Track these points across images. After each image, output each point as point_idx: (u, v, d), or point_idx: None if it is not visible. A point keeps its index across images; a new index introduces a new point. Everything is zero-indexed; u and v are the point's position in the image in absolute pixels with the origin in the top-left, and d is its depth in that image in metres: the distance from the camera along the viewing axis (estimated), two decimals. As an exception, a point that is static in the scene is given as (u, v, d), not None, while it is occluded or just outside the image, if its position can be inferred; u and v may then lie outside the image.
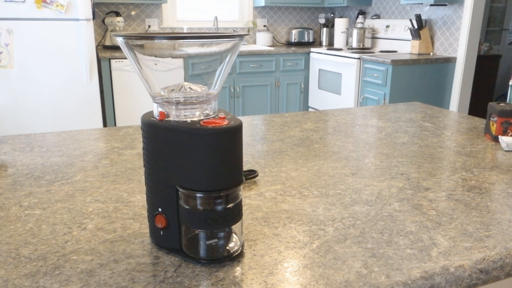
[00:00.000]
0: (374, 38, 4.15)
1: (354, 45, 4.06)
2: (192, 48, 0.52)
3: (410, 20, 3.51)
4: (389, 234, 0.63)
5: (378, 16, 4.12)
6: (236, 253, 0.57)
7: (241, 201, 0.56)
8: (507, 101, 3.53)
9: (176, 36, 0.50)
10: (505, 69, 5.27)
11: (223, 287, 0.51)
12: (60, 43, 2.96)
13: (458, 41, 3.32)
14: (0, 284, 0.51)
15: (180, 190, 0.54)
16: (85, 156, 0.98)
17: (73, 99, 3.08)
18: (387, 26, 3.95)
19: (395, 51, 3.74)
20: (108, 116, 3.39)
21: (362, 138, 1.13)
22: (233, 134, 0.52)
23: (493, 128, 1.09)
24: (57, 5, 2.85)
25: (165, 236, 0.57)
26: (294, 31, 4.46)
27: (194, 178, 0.52)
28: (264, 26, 4.53)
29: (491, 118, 1.10)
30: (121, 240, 0.61)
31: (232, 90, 3.84)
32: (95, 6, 3.71)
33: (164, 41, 0.50)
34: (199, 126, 0.51)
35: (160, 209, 0.56)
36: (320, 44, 4.64)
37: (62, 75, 3.02)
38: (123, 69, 3.32)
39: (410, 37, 3.66)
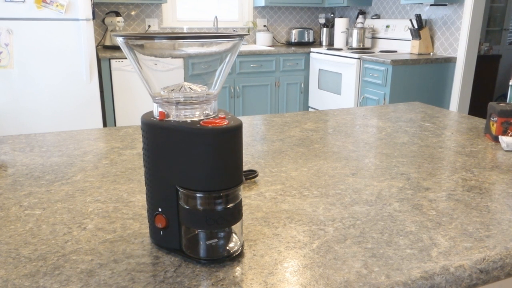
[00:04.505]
0: (374, 38, 4.14)
1: (354, 45, 4.06)
2: (192, 48, 0.52)
3: (410, 20, 3.51)
4: (389, 234, 0.63)
5: (378, 16, 4.12)
6: (236, 253, 0.57)
7: (241, 201, 0.56)
8: (507, 101, 3.53)
9: (176, 36, 0.50)
10: (505, 69, 5.27)
11: (223, 287, 0.50)
12: (60, 43, 2.96)
13: (458, 41, 3.32)
14: (0, 284, 0.51)
15: (180, 190, 0.54)
16: (85, 156, 0.98)
17: (73, 99, 3.08)
18: (387, 26, 3.95)
19: (395, 51, 3.74)
20: (108, 116, 3.39)
21: (362, 138, 1.13)
22: (233, 134, 0.52)
23: (493, 128, 1.09)
24: (57, 5, 2.85)
25: (165, 236, 0.57)
26: (294, 31, 4.46)
27: (194, 178, 0.52)
28: (264, 26, 4.53)
29: (491, 118, 1.10)
30: (121, 240, 0.61)
31: (232, 90, 3.84)
32: (95, 6, 3.71)
33: (164, 41, 0.50)
34: (199, 126, 0.50)
35: (160, 209, 0.56)
36: (320, 44, 4.64)
37: (62, 75, 3.02)
38: (123, 69, 3.32)
39: (410, 37, 3.66)
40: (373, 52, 3.60)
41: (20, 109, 2.97)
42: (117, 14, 3.76)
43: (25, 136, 1.12)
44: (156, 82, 0.54)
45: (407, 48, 3.74)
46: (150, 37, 0.50)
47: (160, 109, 0.54)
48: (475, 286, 0.56)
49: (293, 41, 4.48)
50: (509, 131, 1.07)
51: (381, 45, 4.06)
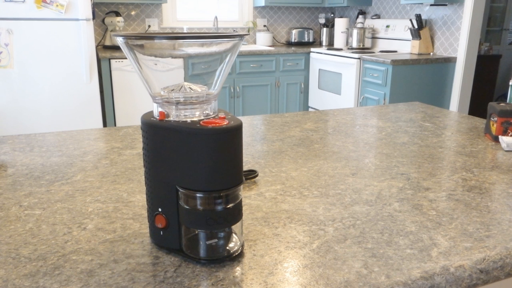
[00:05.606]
0: (374, 38, 4.14)
1: (354, 45, 4.06)
2: (192, 48, 0.52)
3: (410, 20, 3.51)
4: (389, 234, 0.63)
5: (378, 16, 4.12)
6: (236, 253, 0.57)
7: (241, 201, 0.56)
8: (507, 101, 3.53)
9: (176, 36, 0.50)
10: (505, 69, 5.27)
11: (223, 287, 0.50)
12: (60, 43, 2.96)
13: (458, 41, 3.32)
14: (0, 284, 0.51)
15: (180, 190, 0.54)
16: (85, 156, 0.98)
17: (73, 99, 3.08)
18: (387, 26, 3.95)
19: (395, 51, 3.74)
20: (108, 116, 3.39)
21: (362, 138, 1.13)
22: (233, 134, 0.52)
23: (493, 128, 1.09)
24: (57, 5, 2.85)
25: (165, 236, 0.57)
26: (294, 31, 4.46)
27: (194, 178, 0.52)
28: (264, 26, 4.53)
29: (491, 118, 1.10)
30: (121, 240, 0.61)
31: (232, 90, 3.84)
32: (95, 6, 3.71)
33: (164, 41, 0.50)
34: (199, 126, 0.50)
35: (160, 209, 0.56)
36: (320, 44, 4.64)
37: (62, 75, 3.02)
38: (123, 69, 3.32)
39: (410, 37, 3.66)
40: (373, 52, 3.60)
41: (20, 109, 2.97)
42: (117, 14, 3.76)
43: (25, 136, 1.12)
44: (156, 82, 0.54)
45: (407, 48, 3.74)
46: (150, 37, 0.50)
47: (160, 109, 0.54)
48: (475, 286, 0.56)
49: (293, 41, 4.48)
50: (509, 131, 1.07)
51: (381, 45, 4.06)
